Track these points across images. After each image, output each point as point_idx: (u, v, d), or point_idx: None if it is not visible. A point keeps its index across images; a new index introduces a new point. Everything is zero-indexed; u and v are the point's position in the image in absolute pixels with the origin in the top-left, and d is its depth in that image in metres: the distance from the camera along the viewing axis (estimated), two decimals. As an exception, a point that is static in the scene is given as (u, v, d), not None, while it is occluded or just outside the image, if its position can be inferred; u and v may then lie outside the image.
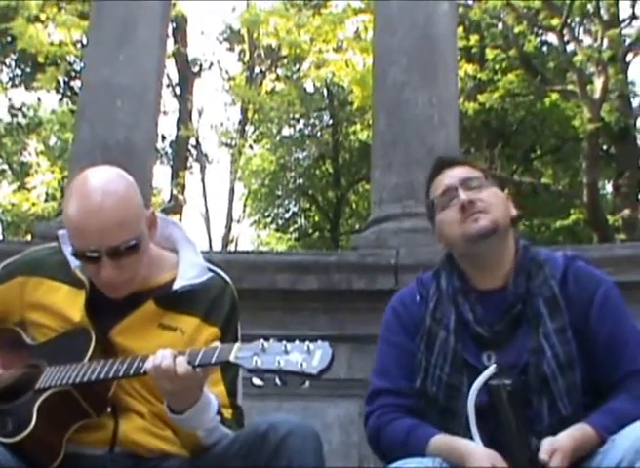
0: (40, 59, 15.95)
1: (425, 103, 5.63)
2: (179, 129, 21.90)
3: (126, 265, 2.57)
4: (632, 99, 18.02)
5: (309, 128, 22.91)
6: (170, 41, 19.20)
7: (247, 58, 22.38)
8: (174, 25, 19.85)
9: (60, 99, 21.61)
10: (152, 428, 2.60)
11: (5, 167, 22.62)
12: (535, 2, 16.89)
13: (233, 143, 22.89)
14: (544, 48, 19.46)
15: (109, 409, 2.58)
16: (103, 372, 2.47)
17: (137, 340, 2.60)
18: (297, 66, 21.46)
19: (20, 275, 2.80)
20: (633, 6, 16.70)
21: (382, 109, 5.81)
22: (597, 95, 15.97)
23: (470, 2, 17.95)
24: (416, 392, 2.73)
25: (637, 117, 17.86)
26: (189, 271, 2.71)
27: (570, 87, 17.15)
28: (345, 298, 5.07)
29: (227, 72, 24.14)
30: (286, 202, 23.32)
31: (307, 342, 2.24)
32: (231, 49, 23.37)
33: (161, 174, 24.41)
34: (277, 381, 2.23)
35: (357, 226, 20.67)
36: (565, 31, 16.75)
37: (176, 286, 2.67)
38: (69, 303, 2.67)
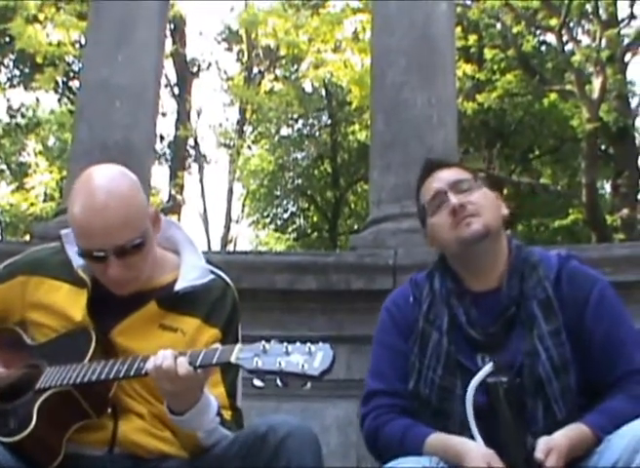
0: (39, 60, 15.93)
1: (424, 104, 5.63)
2: (177, 129, 21.92)
3: (132, 264, 2.58)
4: (631, 99, 18.04)
5: (308, 128, 22.92)
6: (168, 41, 19.24)
7: (245, 59, 22.40)
8: (172, 26, 19.87)
9: (59, 100, 21.63)
10: (152, 429, 2.60)
11: (3, 167, 22.63)
12: (533, 2, 16.91)
13: (232, 144, 22.92)
14: (543, 48, 19.47)
15: (109, 410, 2.58)
16: (104, 373, 2.47)
17: (137, 341, 2.61)
18: (295, 67, 21.48)
19: (21, 274, 2.80)
20: (632, 6, 16.75)
21: (381, 109, 5.81)
22: (596, 95, 15.98)
23: (469, 2, 17.98)
24: (409, 393, 2.73)
25: (636, 117, 17.89)
26: (191, 273, 2.72)
27: (568, 87, 17.17)
28: (344, 299, 5.07)
29: (226, 72, 24.19)
30: (284, 202, 23.33)
31: (309, 344, 2.25)
32: (230, 49, 23.39)
33: (159, 174, 24.50)
34: (278, 382, 2.23)
35: (356, 226, 20.67)
36: (563, 31, 16.77)
37: (177, 287, 2.68)
38: (71, 303, 2.68)
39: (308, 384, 2.22)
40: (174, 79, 22.36)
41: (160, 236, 2.75)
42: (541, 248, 3.05)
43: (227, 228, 22.80)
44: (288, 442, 2.37)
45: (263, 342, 2.28)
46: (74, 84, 19.83)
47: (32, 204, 20.20)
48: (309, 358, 2.21)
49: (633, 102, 18.23)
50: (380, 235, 5.41)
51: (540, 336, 2.62)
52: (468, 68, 16.98)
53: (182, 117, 21.97)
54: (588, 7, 16.98)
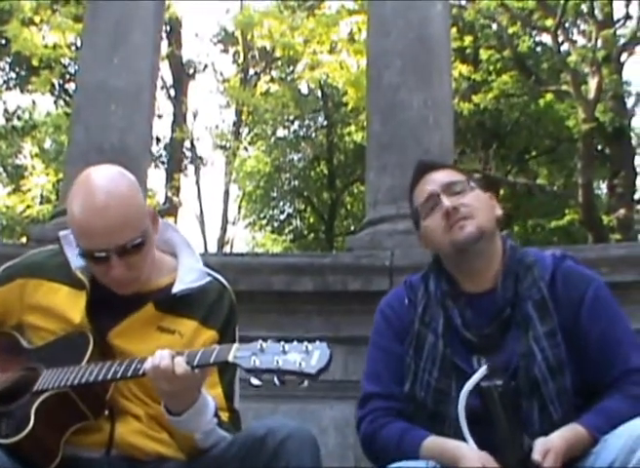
0: (35, 62, 15.94)
1: (420, 105, 5.63)
2: (173, 131, 21.93)
3: (134, 263, 2.60)
4: (627, 99, 18.05)
5: (304, 129, 22.92)
6: (164, 43, 19.20)
7: (241, 60, 22.42)
8: (168, 28, 19.85)
9: (55, 102, 21.64)
10: (149, 431, 2.60)
11: (0, 170, 22.59)
12: (529, 2, 16.93)
13: (228, 145, 22.92)
14: (538, 48, 19.47)
15: (106, 412, 2.58)
16: (101, 374, 2.47)
17: (135, 343, 2.61)
18: (291, 68, 21.50)
19: (19, 277, 2.81)
20: (627, 6, 16.75)
21: (377, 111, 5.82)
22: (591, 95, 15.99)
23: (464, 3, 17.99)
24: (405, 396, 2.73)
25: (632, 117, 17.90)
26: (188, 275, 2.73)
27: (564, 87, 17.17)
28: (341, 300, 5.07)
29: (222, 74, 24.21)
30: (281, 204, 23.33)
31: (305, 342, 2.26)
32: (225, 51, 23.39)
33: (156, 176, 24.49)
34: (275, 381, 2.24)
35: (352, 228, 20.68)
36: (559, 32, 16.77)
37: (175, 289, 2.68)
38: (69, 304, 2.68)
39: (305, 382, 2.23)
40: (170, 81, 22.41)
41: (158, 239, 2.76)
42: (537, 248, 3.05)
43: (224, 230, 22.82)
44: (287, 444, 2.37)
45: (260, 341, 2.29)
46: (70, 86, 19.80)
47: (29, 206, 20.19)
48: (306, 356, 2.22)
49: (629, 102, 18.25)
50: (376, 236, 5.41)
51: (535, 337, 2.62)
52: (464, 69, 17.00)
53: (179, 119, 21.98)
54: (584, 7, 16.99)
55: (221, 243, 22.37)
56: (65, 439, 2.52)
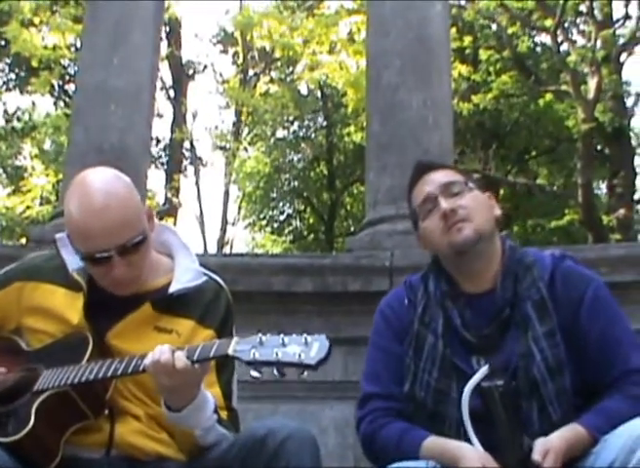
0: (34, 63, 15.92)
1: (420, 105, 5.63)
2: (173, 132, 21.93)
3: (134, 262, 2.62)
4: (626, 99, 18.07)
5: (303, 130, 22.92)
6: (164, 44, 19.24)
7: (241, 61, 22.40)
8: (167, 28, 19.86)
9: (55, 103, 21.64)
10: (148, 431, 2.61)
11: (0, 171, 22.59)
12: (528, 3, 16.93)
13: (227, 146, 22.90)
14: (538, 48, 19.49)
15: (106, 412, 2.58)
16: (102, 372, 2.49)
17: (133, 343, 2.62)
18: (290, 69, 21.49)
19: (17, 281, 2.82)
20: (626, 6, 16.76)
21: (377, 111, 5.82)
22: (591, 95, 16.00)
23: (463, 3, 17.99)
24: (405, 396, 2.73)
25: (631, 117, 17.92)
26: (185, 275, 2.74)
27: (564, 87, 17.18)
28: (340, 301, 5.07)
29: (221, 75, 24.23)
30: (280, 204, 23.32)
31: (304, 335, 2.28)
32: (225, 51, 23.39)
33: (155, 177, 24.47)
34: (275, 373, 2.26)
35: (352, 228, 20.68)
36: (558, 32, 16.77)
37: (172, 289, 2.70)
38: (67, 306, 2.69)
39: (305, 373, 2.24)
40: (169, 82, 22.40)
41: (154, 240, 2.77)
42: (537, 248, 3.05)
43: (223, 231, 22.80)
44: (287, 444, 2.38)
45: (260, 335, 2.31)
46: (70, 87, 19.82)
47: (28, 207, 20.17)
48: (306, 348, 2.24)
49: (629, 102, 18.28)
50: (376, 237, 5.41)
51: (534, 338, 2.62)
52: (464, 69, 17.00)
53: (178, 120, 21.97)
54: (583, 7, 17.01)
55: (221, 243, 22.36)
56: (65, 439, 2.52)
